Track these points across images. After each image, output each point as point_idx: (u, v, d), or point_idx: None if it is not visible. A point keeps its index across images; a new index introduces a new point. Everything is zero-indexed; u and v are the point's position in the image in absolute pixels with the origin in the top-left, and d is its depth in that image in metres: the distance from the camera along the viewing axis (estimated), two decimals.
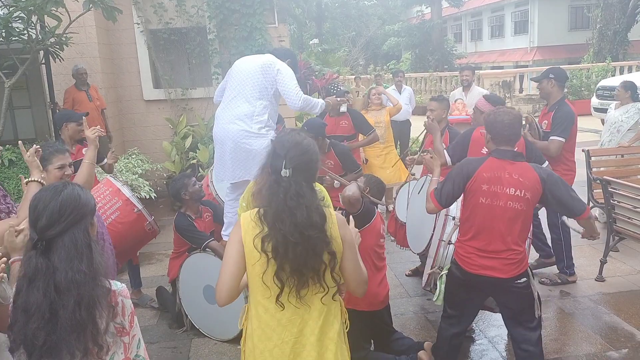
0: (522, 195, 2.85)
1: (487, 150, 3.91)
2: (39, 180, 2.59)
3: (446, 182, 3.05)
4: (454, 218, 3.55)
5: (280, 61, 3.79)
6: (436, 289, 3.38)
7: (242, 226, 2.03)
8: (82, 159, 4.67)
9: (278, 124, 5.26)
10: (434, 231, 3.97)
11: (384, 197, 3.97)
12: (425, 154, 4.65)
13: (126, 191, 4.22)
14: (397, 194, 4.95)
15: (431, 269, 3.56)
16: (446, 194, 3.01)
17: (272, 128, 3.77)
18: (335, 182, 4.47)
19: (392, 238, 4.96)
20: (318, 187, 2.68)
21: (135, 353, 1.85)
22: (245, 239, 2.00)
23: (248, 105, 3.64)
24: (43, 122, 8.54)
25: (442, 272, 3.32)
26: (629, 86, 6.30)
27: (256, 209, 2.03)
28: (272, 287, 1.97)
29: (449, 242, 3.45)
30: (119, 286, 1.81)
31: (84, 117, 4.29)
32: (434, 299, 3.41)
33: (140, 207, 4.19)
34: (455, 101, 7.11)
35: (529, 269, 2.99)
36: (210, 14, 8.00)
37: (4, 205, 3.03)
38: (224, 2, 7.94)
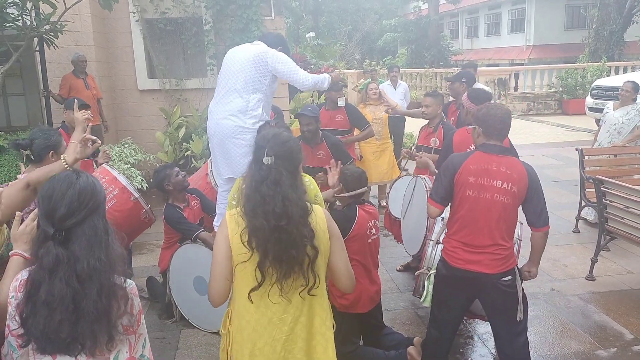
0: (509, 188, 2.85)
1: (474, 147, 3.93)
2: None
3: (436, 181, 3.06)
4: (442, 218, 3.49)
5: (272, 49, 3.68)
6: (424, 290, 3.36)
7: (228, 224, 2.03)
8: None
9: (276, 117, 5.26)
10: (426, 232, 3.97)
11: (379, 189, 3.90)
12: (420, 152, 4.68)
13: (122, 179, 4.20)
14: (390, 189, 4.96)
15: (419, 270, 3.54)
16: (440, 193, 3.01)
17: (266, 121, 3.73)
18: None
19: (390, 233, 4.97)
20: (308, 178, 2.68)
21: (141, 353, 1.83)
22: (232, 235, 2.00)
23: (241, 100, 3.58)
24: (36, 110, 8.48)
25: (430, 272, 3.29)
26: (637, 87, 6.27)
27: (240, 206, 2.03)
28: (253, 279, 1.96)
29: (437, 242, 3.42)
30: (128, 283, 1.80)
31: (76, 101, 4.25)
32: (421, 300, 3.39)
33: (136, 195, 4.18)
34: None
35: (516, 268, 2.97)
36: (207, 4, 7.96)
37: None
38: None
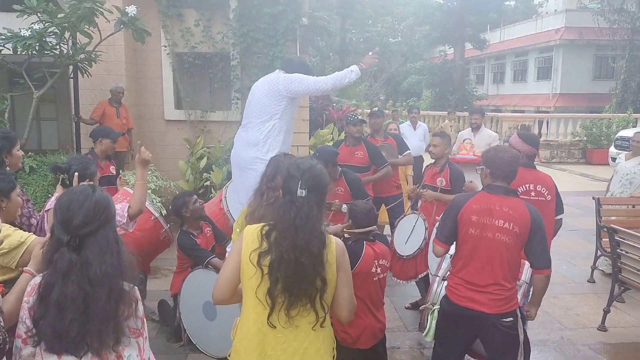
0: (510, 228, 2.90)
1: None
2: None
3: (441, 222, 3.16)
4: (451, 255, 3.49)
5: (282, 74, 3.81)
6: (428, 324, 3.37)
7: (244, 239, 2.12)
8: (109, 175, 4.86)
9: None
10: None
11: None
12: (424, 190, 4.80)
13: None
14: (395, 227, 5.00)
15: (424, 305, 3.56)
16: (445, 232, 3.09)
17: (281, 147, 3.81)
18: (344, 206, 4.54)
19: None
20: None
21: (148, 356, 1.95)
22: (245, 252, 2.08)
23: (256, 131, 3.75)
24: (67, 134, 8.80)
25: (434, 308, 3.32)
26: None
27: (261, 225, 2.11)
28: (264, 303, 2.04)
29: (444, 278, 3.45)
30: (133, 287, 1.93)
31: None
32: (423, 335, 3.40)
33: (156, 214, 4.30)
34: (463, 141, 7.18)
35: (518, 310, 2.98)
36: (235, 41, 8.25)
37: (26, 210, 3.17)
38: (248, 30, 8.19)
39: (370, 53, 4.01)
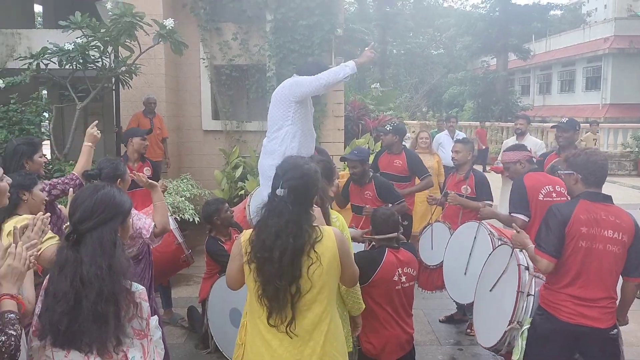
0: (619, 237, 2.78)
1: (544, 195, 3.75)
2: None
3: (545, 233, 2.90)
4: (527, 268, 3.25)
5: (293, 78, 3.83)
6: (514, 346, 3.12)
7: (242, 241, 2.17)
8: None
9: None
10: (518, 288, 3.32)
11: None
12: (450, 195, 4.71)
13: (171, 223, 4.39)
14: (420, 236, 4.89)
15: (509, 324, 3.22)
16: (553, 244, 2.84)
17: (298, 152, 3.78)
18: None
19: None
20: (335, 215, 2.73)
21: (153, 358, 1.93)
22: (245, 252, 2.13)
23: (272, 140, 3.86)
24: (112, 147, 9.07)
25: (524, 328, 3.08)
26: None
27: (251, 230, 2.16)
28: (262, 306, 2.06)
29: (528, 294, 3.20)
30: (138, 288, 1.92)
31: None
32: (514, 358, 3.10)
33: (180, 240, 4.38)
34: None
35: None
36: (271, 52, 8.36)
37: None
38: (284, 42, 8.29)
39: (367, 48, 3.94)
